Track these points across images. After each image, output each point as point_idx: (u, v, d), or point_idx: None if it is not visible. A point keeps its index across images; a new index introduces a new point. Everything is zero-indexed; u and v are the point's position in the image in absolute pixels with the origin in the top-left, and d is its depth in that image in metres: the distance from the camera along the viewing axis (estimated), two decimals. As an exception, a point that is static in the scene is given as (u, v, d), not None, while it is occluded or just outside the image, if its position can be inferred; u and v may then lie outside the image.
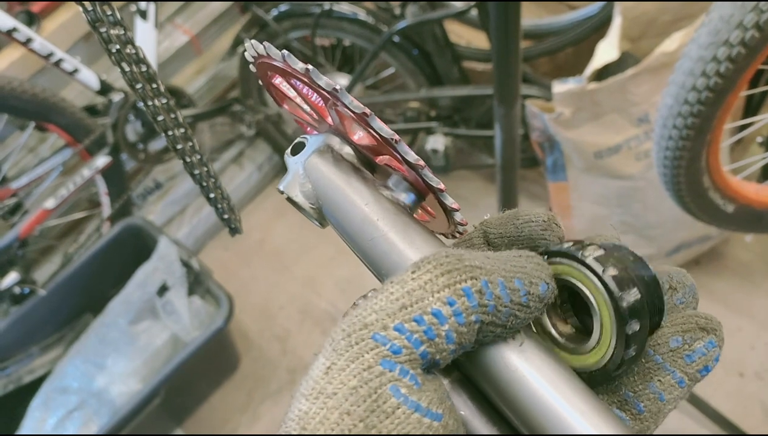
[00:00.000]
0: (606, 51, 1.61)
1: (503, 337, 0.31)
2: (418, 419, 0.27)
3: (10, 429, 1.77)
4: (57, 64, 1.72)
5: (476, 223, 0.38)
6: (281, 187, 0.40)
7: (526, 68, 1.97)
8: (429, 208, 0.42)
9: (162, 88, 0.56)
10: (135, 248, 1.91)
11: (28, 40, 1.66)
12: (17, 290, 1.83)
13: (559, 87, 1.60)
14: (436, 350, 0.29)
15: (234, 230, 0.71)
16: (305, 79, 0.36)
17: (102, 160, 1.89)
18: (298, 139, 0.41)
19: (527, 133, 1.82)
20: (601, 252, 0.32)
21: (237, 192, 2.33)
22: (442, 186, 0.36)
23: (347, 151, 0.39)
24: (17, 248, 1.84)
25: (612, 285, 0.31)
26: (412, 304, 0.29)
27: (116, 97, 1.86)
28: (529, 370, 0.31)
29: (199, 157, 0.63)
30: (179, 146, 0.60)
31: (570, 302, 0.35)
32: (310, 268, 2.22)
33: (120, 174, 2.00)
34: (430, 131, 1.99)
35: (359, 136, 0.39)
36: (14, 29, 1.64)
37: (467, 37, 2.12)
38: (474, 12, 1.81)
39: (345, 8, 1.89)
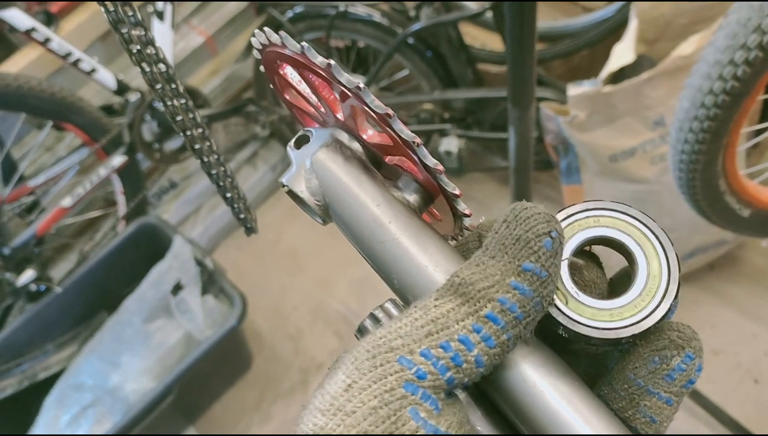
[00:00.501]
0: (622, 54, 1.61)
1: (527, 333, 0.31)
2: None
3: (25, 426, 1.78)
4: (75, 63, 1.74)
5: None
6: (284, 181, 0.39)
7: (541, 71, 1.96)
8: (435, 211, 0.42)
9: (181, 89, 0.56)
10: (150, 246, 1.93)
11: (47, 40, 1.68)
12: (33, 287, 1.85)
13: (574, 90, 1.60)
14: (464, 375, 0.29)
15: (250, 230, 0.71)
16: (323, 74, 0.36)
17: (118, 159, 1.91)
18: (302, 132, 0.40)
19: (541, 135, 1.81)
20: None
21: (251, 192, 2.35)
22: (457, 192, 0.36)
23: (356, 147, 0.39)
24: (34, 245, 1.86)
25: (665, 238, 0.32)
26: (438, 331, 0.29)
27: (133, 97, 1.87)
28: (545, 387, 0.31)
29: (216, 157, 0.64)
30: (197, 146, 0.61)
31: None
32: (324, 268, 2.23)
33: (136, 173, 2.01)
34: (443, 133, 1.99)
35: (371, 134, 0.38)
36: (33, 29, 1.66)
37: (482, 39, 2.12)
38: (489, 14, 1.81)
39: (360, 10, 1.90)
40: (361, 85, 0.34)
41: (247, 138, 2.36)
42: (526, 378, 0.31)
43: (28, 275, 1.84)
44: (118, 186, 2.00)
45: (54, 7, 1.94)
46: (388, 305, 0.35)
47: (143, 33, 0.52)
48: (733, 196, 1.17)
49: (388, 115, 0.34)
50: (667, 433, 0.34)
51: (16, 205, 1.87)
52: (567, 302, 0.33)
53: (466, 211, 0.37)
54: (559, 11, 2.14)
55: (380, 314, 0.35)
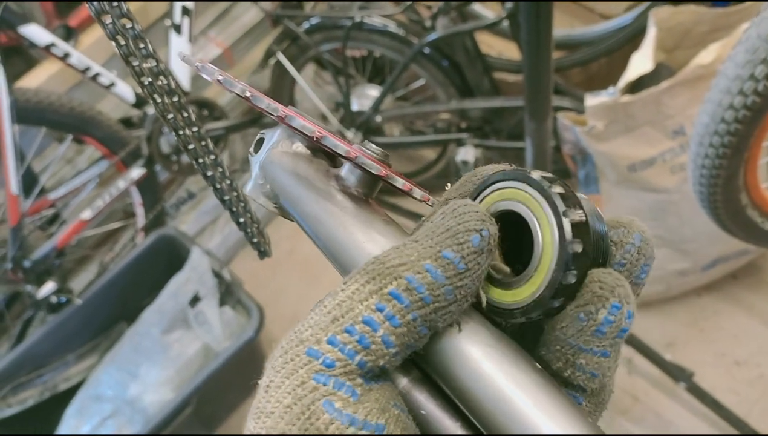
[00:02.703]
0: (640, 63, 1.59)
1: (455, 316, 0.30)
2: (354, 432, 0.27)
3: None
4: (94, 78, 1.76)
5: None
6: (246, 192, 0.39)
7: (558, 79, 1.95)
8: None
9: (193, 118, 0.56)
10: (168, 258, 1.94)
11: (66, 55, 1.70)
12: (54, 299, 1.87)
13: (591, 100, 1.58)
14: (376, 357, 0.28)
15: (263, 254, 0.71)
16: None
17: (137, 171, 1.92)
18: (258, 135, 0.40)
19: (559, 145, 1.80)
20: (548, 175, 0.31)
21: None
22: (382, 172, 0.35)
23: (297, 144, 0.38)
24: (54, 257, 1.88)
25: (558, 201, 0.30)
26: (342, 315, 0.28)
27: (151, 110, 1.89)
28: (483, 362, 0.30)
29: (228, 182, 0.64)
30: (209, 173, 0.60)
31: (513, 239, 0.33)
32: (340, 278, 2.22)
33: (154, 185, 2.03)
34: (460, 143, 1.98)
35: None
36: (52, 44, 1.68)
37: (498, 47, 2.11)
38: (506, 23, 1.80)
39: (376, 21, 1.90)
40: (249, 94, 0.34)
41: (264, 148, 2.37)
42: (462, 356, 0.30)
43: (48, 286, 1.86)
44: (136, 198, 2.02)
45: (73, 21, 1.97)
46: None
47: (155, 64, 0.52)
48: (755, 209, 1.15)
49: (280, 117, 0.34)
50: None
51: (37, 217, 1.89)
52: (491, 295, 0.32)
53: (405, 187, 0.36)
54: (577, 19, 2.12)
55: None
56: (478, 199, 0.33)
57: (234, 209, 0.67)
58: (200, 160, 0.60)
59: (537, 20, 1.15)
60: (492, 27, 1.92)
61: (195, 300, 1.87)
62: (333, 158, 0.39)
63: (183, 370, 1.85)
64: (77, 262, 2.18)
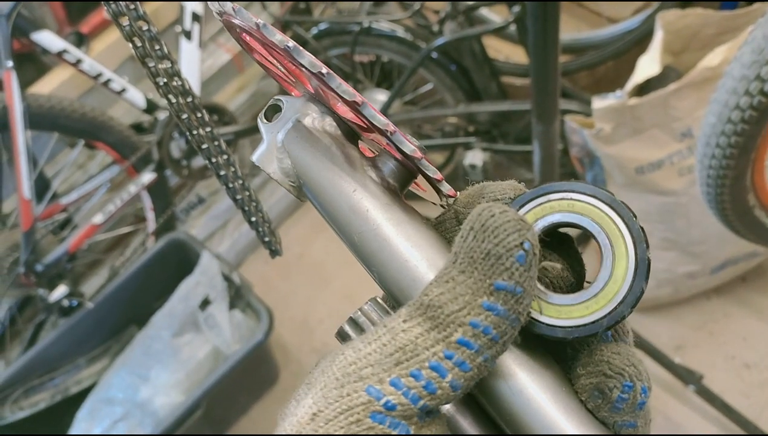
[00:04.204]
0: (647, 65, 1.59)
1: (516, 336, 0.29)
2: None
3: (58, 438, 1.82)
4: (105, 84, 1.78)
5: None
6: (254, 159, 0.36)
7: (566, 82, 1.96)
8: (418, 183, 0.38)
9: (206, 118, 0.58)
10: (178, 261, 1.95)
11: (78, 61, 1.72)
12: (66, 302, 1.89)
13: (598, 103, 1.59)
14: (441, 401, 0.28)
15: (274, 253, 0.72)
16: (283, 55, 0.33)
17: (148, 176, 1.94)
18: (272, 101, 0.36)
19: (566, 148, 1.80)
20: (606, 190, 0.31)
21: (277, 206, 2.37)
22: (439, 176, 0.33)
23: (329, 122, 0.35)
24: (66, 261, 1.89)
25: (631, 213, 0.30)
26: (408, 359, 0.28)
27: (162, 116, 1.91)
28: (533, 396, 0.30)
29: (241, 182, 0.65)
30: (222, 173, 0.62)
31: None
32: (350, 282, 2.23)
33: (164, 190, 2.05)
34: (468, 146, 1.99)
35: (344, 108, 0.35)
36: (64, 51, 1.70)
37: (506, 52, 2.12)
38: (513, 27, 1.81)
39: (383, 26, 1.91)
40: (324, 71, 0.31)
41: (273, 153, 2.38)
42: (510, 382, 0.30)
43: (60, 290, 1.87)
44: (147, 202, 2.04)
45: (85, 28, 1.99)
46: (368, 308, 0.33)
47: (170, 65, 0.53)
48: (763, 210, 1.15)
49: (356, 103, 0.31)
50: None
51: (49, 222, 1.91)
52: (541, 310, 0.31)
53: (437, 176, 0.34)
54: (584, 22, 2.13)
55: (361, 318, 0.33)
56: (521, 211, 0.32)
57: (246, 209, 0.69)
58: (213, 160, 0.61)
59: (544, 22, 1.16)
60: (499, 31, 1.93)
61: (205, 303, 1.88)
62: (355, 141, 0.36)
63: (193, 373, 1.86)
64: (89, 266, 2.20)
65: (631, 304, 0.30)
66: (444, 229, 0.36)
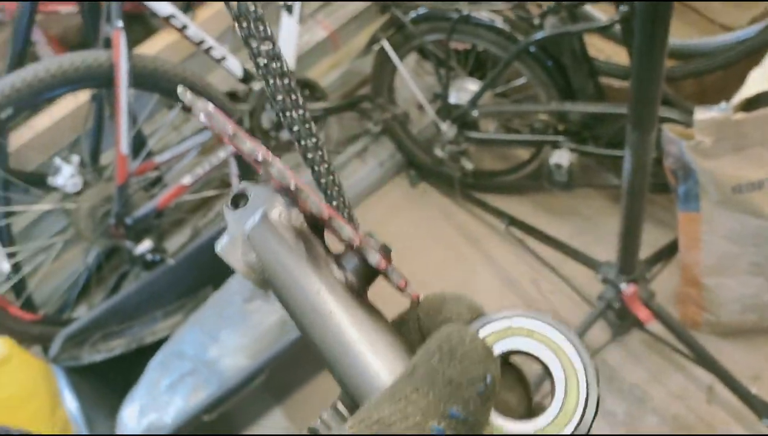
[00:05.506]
0: (758, 80, 1.50)
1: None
2: None
3: (129, 384, 1.91)
4: (207, 51, 1.84)
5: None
6: (218, 250, 0.36)
7: (669, 89, 1.87)
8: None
9: (300, 101, 0.58)
10: (257, 230, 2.00)
11: (184, 27, 1.78)
12: (149, 256, 1.98)
13: (701, 114, 1.51)
14: None
15: (352, 238, 0.73)
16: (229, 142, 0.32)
17: (236, 143, 1.99)
18: (239, 189, 0.37)
19: (660, 157, 1.73)
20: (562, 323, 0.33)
21: (357, 186, 2.39)
22: (383, 266, 0.33)
23: (296, 215, 0.35)
24: (154, 218, 1.98)
25: (594, 370, 0.32)
26: None
27: (256, 86, 1.95)
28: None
29: (326, 166, 0.65)
30: (309, 155, 0.62)
31: None
32: (420, 270, 2.23)
33: (251, 158, 2.10)
34: (555, 145, 1.94)
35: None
36: (172, 15, 1.76)
37: (608, 51, 2.05)
38: (617, 26, 1.74)
39: (483, 15, 1.88)
40: (260, 158, 0.31)
41: (360, 132, 2.41)
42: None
43: (146, 244, 1.96)
44: (234, 169, 2.10)
45: (192, -6, 2.06)
46: (327, 417, 0.33)
47: (271, 47, 0.54)
48: None
49: (325, 221, 0.31)
50: None
51: (141, 178, 2.00)
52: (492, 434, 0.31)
53: (413, 296, 0.35)
54: (694, 28, 2.02)
55: (321, 428, 0.33)
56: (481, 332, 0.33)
57: (329, 192, 0.69)
58: (302, 143, 0.62)
59: (653, 25, 1.11)
60: (603, 30, 1.86)
61: (278, 273, 1.92)
62: (320, 231, 0.35)
63: (260, 339, 1.91)
64: (173, 224, 2.29)
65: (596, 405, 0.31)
66: (406, 329, 0.36)
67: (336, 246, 0.37)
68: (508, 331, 0.33)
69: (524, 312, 0.33)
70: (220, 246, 0.36)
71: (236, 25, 0.53)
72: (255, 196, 0.36)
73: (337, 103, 2.14)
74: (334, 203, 0.72)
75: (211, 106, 0.33)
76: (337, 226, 0.32)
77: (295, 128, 0.62)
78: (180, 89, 0.34)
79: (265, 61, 0.56)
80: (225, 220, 0.36)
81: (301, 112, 0.62)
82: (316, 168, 0.67)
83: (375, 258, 0.33)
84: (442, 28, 1.95)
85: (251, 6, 0.54)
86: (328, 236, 0.38)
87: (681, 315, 1.91)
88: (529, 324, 0.32)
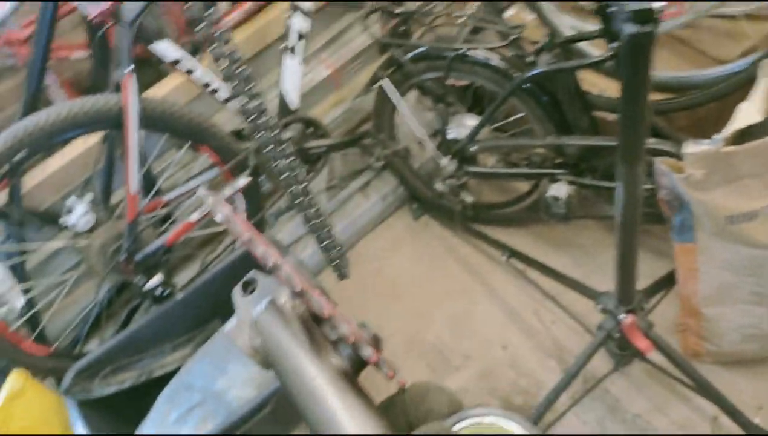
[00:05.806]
0: (747, 113, 1.55)
1: None
2: None
3: (139, 416, 1.94)
4: (213, 92, 1.90)
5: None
6: (225, 332, 0.39)
7: (662, 122, 1.92)
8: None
9: (288, 151, 0.63)
10: (263, 264, 2.04)
11: (190, 71, 1.85)
12: (159, 291, 2.02)
13: (690, 148, 1.56)
14: None
15: (342, 275, 0.77)
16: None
17: (243, 180, 2.04)
18: (249, 277, 0.40)
19: (655, 189, 1.77)
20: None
21: (360, 220, 2.43)
22: (374, 359, 0.35)
23: (297, 304, 0.37)
24: (163, 253, 2.03)
25: None
26: None
27: (261, 125, 2.01)
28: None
29: (314, 209, 0.70)
30: (298, 200, 0.67)
31: None
32: (423, 301, 2.26)
33: (257, 194, 2.14)
34: (553, 178, 1.98)
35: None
36: (178, 61, 1.83)
37: (601, 85, 2.10)
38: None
39: (479, 53, 1.94)
40: (270, 264, 0.33)
41: (362, 167, 2.46)
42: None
43: (155, 279, 2.00)
44: (240, 205, 2.14)
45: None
46: None
47: (259, 103, 0.59)
48: None
49: (302, 291, 0.34)
50: None
51: (150, 216, 2.05)
52: None
53: (401, 383, 0.37)
54: (686, 61, 2.07)
55: None
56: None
57: (318, 233, 0.74)
58: (291, 189, 0.66)
59: (636, 61, 1.15)
60: (595, 66, 1.92)
61: (284, 306, 1.96)
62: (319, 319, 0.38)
63: (267, 372, 1.94)
64: (181, 259, 2.34)
65: None
66: (392, 412, 0.39)
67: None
68: (479, 427, 0.36)
69: (496, 411, 0.36)
70: (228, 328, 0.39)
71: (227, 84, 0.58)
72: (263, 284, 0.39)
73: (339, 140, 2.19)
74: (324, 243, 0.77)
75: (228, 209, 0.37)
76: (336, 323, 0.36)
77: (284, 175, 0.67)
78: (201, 192, 0.39)
79: (254, 116, 0.61)
80: (234, 303, 0.39)
81: (288, 160, 0.67)
82: (305, 212, 0.72)
83: (368, 352, 0.36)
84: (440, 66, 2.02)
85: (240, 68, 0.59)
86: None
87: (682, 345, 1.93)
88: (500, 423, 0.35)
